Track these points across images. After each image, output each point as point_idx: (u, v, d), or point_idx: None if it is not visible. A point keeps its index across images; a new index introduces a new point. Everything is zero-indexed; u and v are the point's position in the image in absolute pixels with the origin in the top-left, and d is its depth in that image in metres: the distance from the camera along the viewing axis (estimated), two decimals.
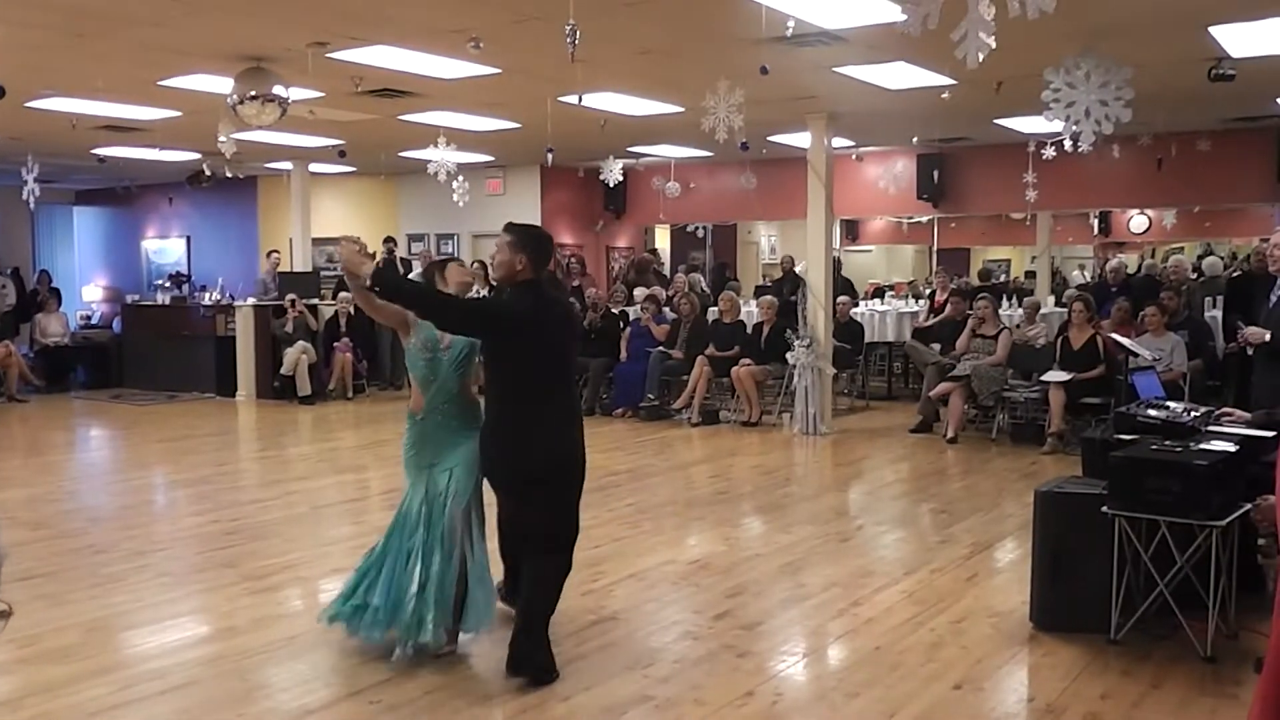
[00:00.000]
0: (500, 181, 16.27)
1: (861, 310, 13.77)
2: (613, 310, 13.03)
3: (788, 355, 10.98)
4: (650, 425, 11.51)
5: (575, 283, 14.24)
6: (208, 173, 13.86)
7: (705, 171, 15.93)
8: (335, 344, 13.73)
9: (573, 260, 15.19)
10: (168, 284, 16.68)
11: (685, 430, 11.26)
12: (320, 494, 8.14)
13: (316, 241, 16.04)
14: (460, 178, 11.43)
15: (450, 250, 16.85)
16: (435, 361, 4.60)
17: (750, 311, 12.95)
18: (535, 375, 4.20)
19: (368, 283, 4.31)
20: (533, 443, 4.16)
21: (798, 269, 14.17)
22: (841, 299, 12.56)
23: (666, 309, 12.99)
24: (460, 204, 11.76)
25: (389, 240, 14.98)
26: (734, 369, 11.40)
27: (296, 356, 13.36)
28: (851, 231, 19.47)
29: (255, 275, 15.68)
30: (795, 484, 8.66)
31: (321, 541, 6.66)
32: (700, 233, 17.85)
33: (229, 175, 14.79)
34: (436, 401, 4.56)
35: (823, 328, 11.02)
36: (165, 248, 18.53)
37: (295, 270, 15.18)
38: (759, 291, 14.89)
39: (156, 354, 15.01)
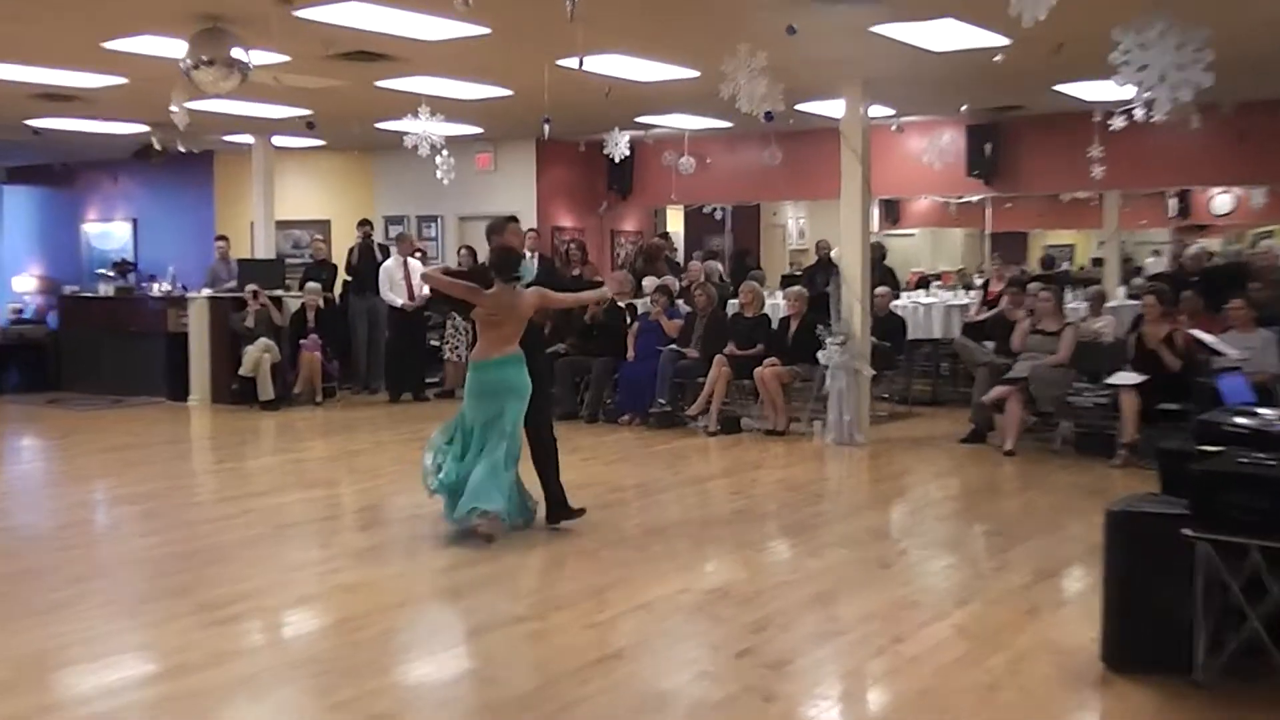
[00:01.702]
0: (490, 157, 16.27)
1: (904, 303, 13.73)
2: (618, 303, 13.02)
3: (819, 354, 10.95)
4: (661, 434, 11.51)
5: (576, 271, 14.22)
6: (158, 147, 13.90)
7: (724, 145, 15.92)
8: (302, 341, 13.75)
9: (572, 246, 15.17)
10: (111, 273, 16.71)
11: (701, 440, 11.25)
12: (285, 512, 8.14)
13: (281, 225, 16.06)
14: (445, 152, 11.42)
15: (433, 234, 16.87)
16: None
17: (776, 304, 12.91)
18: None
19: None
20: None
21: (831, 256, 14.13)
22: (880, 290, 12.53)
23: (679, 301, 12.96)
24: (445, 182, 11.74)
25: (364, 224, 15.01)
26: (757, 370, 11.39)
27: (258, 356, 13.37)
28: (892, 213, 19.41)
29: (211, 260, 15.67)
30: (827, 501, 8.64)
31: (286, 567, 6.65)
32: (718, 215, 17.82)
33: (182, 150, 14.82)
34: None
35: (859, 323, 10.99)
36: (108, 232, 18.58)
37: (257, 258, 15.20)
38: (786, 281, 14.84)
39: (98, 353, 15.05)
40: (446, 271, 8.96)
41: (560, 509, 7.39)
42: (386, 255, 14.60)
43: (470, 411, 7.15)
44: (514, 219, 7.83)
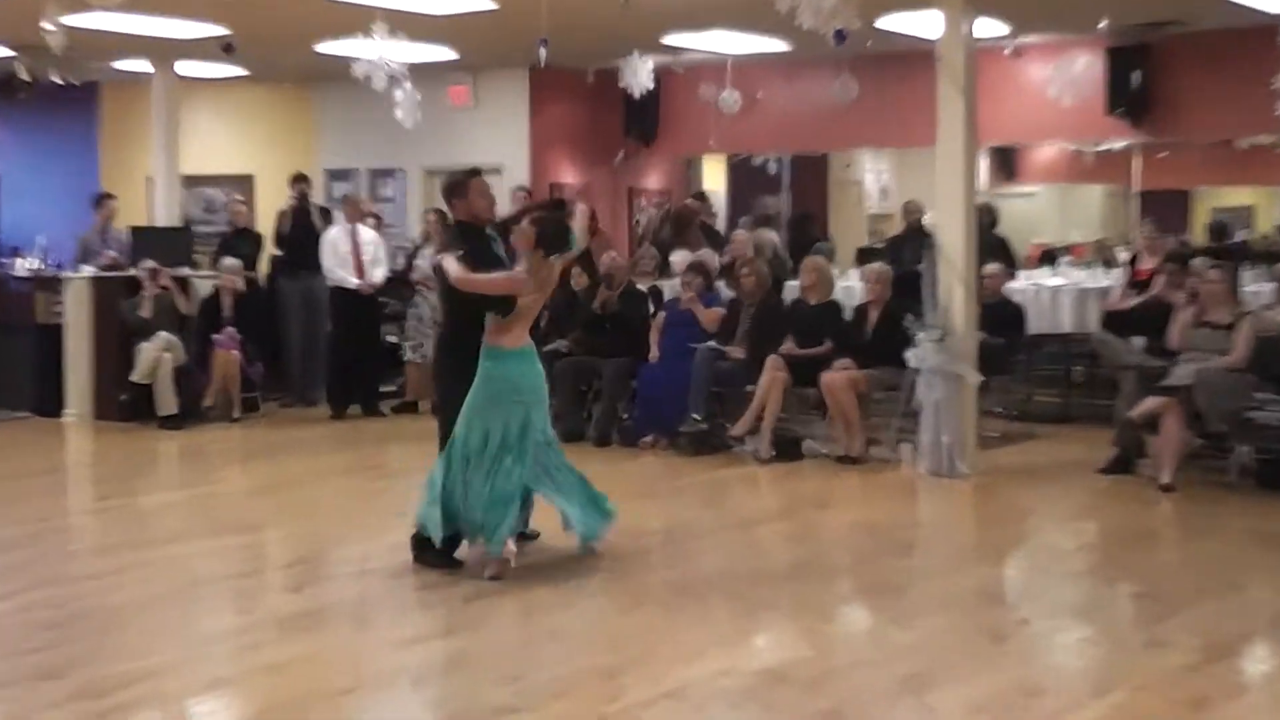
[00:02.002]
0: (468, 90, 16.27)
1: (1022, 285, 13.67)
2: (637, 286, 12.99)
3: (908, 354, 10.90)
4: (695, 462, 11.48)
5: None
6: (24, 77, 13.90)
7: (780, 74, 15.90)
8: (215, 337, 13.76)
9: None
10: None
11: (749, 468, 11.22)
12: (192, 566, 8.12)
13: (190, 181, 16.08)
14: (408, 85, 11.42)
15: (391, 193, 16.88)
16: None
17: (850, 287, 12.85)
18: None
19: None
20: None
21: (925, 223, 14.08)
22: (991, 268, 12.47)
23: (720, 283, 12.92)
24: (408, 125, 11.74)
25: (299, 180, 14.96)
26: (824, 375, 11.34)
27: (156, 356, 13.38)
28: (1007, 166, 19.35)
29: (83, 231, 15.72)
30: (920, 553, 8.59)
31: (193, 639, 6.63)
32: (772, 168, 17.79)
33: (57, 81, 14.81)
34: None
35: (963, 312, 10.93)
36: None
37: (155, 225, 15.22)
38: (864, 257, 14.80)
39: None
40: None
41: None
42: (329, 222, 14.63)
43: (481, 420, 7.50)
44: (476, 172, 8.06)
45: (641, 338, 12.42)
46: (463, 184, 7.82)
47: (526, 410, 7.52)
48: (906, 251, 13.74)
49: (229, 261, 14.24)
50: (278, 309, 14.76)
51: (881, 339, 11.36)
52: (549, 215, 7.80)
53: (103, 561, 8.19)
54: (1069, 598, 7.49)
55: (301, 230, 14.65)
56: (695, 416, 11.83)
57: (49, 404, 14.14)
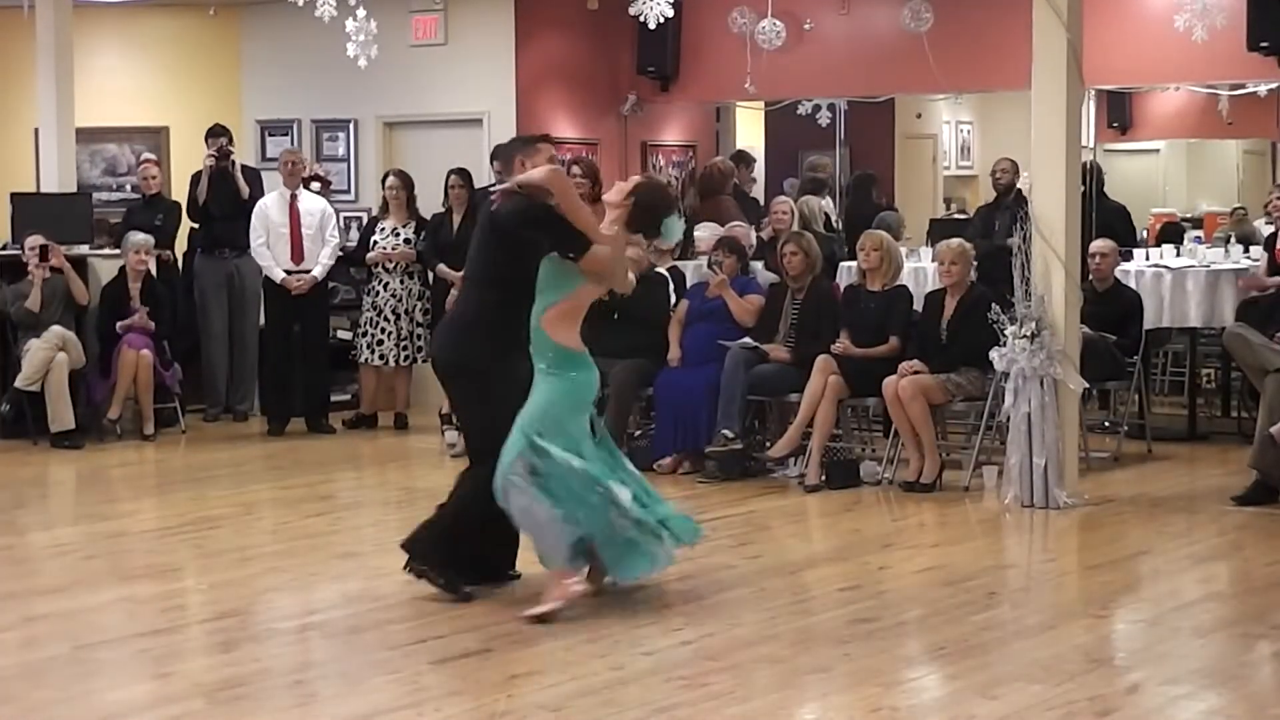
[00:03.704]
0: (437, 20, 16.26)
1: (1139, 266, 13.68)
2: (655, 267, 13.02)
3: (993, 354, 10.92)
4: (726, 489, 11.50)
5: None
6: None
7: (832, 1, 15.94)
8: (122, 332, 13.80)
9: (575, 169, 15.22)
10: None
11: (794, 498, 11.26)
12: (91, 622, 8.15)
13: (87, 135, 16.06)
14: (362, 12, 11.46)
15: (341, 151, 16.89)
16: None
17: (921, 269, 12.88)
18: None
19: None
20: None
21: (1021, 187, 14.09)
22: (1100, 245, 12.48)
23: (758, 264, 12.94)
24: (361, 63, 11.78)
25: (217, 133, 14.92)
26: (888, 380, 11.36)
27: (47, 356, 13.39)
28: (1119, 115, 19.34)
29: None
30: (1008, 604, 8.59)
31: (87, 711, 6.67)
32: (824, 119, 17.79)
33: None
34: None
35: (1062, 301, 10.95)
36: None
37: (42, 191, 15.26)
38: (938, 230, 14.80)
39: None
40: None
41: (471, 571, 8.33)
42: (259, 187, 14.65)
43: (574, 428, 8.18)
44: (548, 138, 8.73)
45: (659, 334, 12.46)
46: (529, 147, 8.07)
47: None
48: (997, 224, 13.77)
49: (137, 237, 14.14)
50: (194, 297, 14.80)
51: (962, 335, 11.39)
52: (654, 185, 8.21)
53: None
54: (1194, 660, 7.48)
55: (223, 197, 14.68)
56: (726, 433, 11.83)
57: None
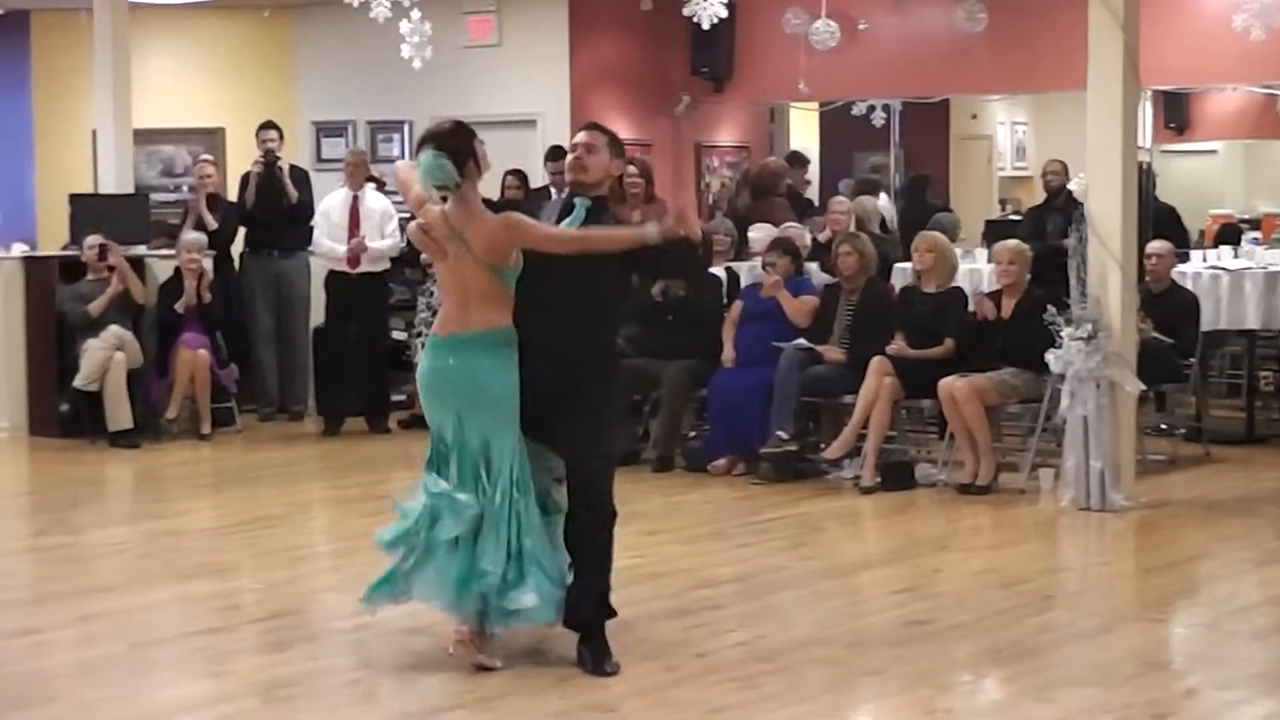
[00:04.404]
0: (492, 22, 16.28)
1: (1195, 268, 13.62)
2: (707, 269, 13.02)
3: (1049, 356, 10.89)
4: (780, 491, 11.50)
5: (635, 214, 14.24)
6: None
7: (886, 1, 15.92)
8: (182, 332, 13.87)
9: (631, 168, 15.20)
10: None
11: (848, 499, 11.27)
12: (147, 620, 8.20)
13: (145, 136, 16.12)
14: (417, 13, 11.48)
15: (395, 150, 16.89)
16: None
17: (976, 270, 12.84)
18: None
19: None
20: None
21: (1072, 189, 14.04)
22: (1157, 247, 12.42)
23: (812, 265, 12.91)
24: (416, 64, 11.80)
25: (268, 129, 14.93)
26: (943, 382, 11.33)
27: (105, 357, 13.46)
28: (1175, 116, 19.24)
29: (28, 195, 15.74)
30: (1064, 607, 8.58)
31: (148, 710, 6.69)
32: (878, 119, 17.75)
33: None
34: None
35: (1120, 303, 10.91)
36: None
37: (100, 192, 15.35)
38: (994, 232, 14.76)
39: None
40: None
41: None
42: (305, 188, 14.68)
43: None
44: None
45: (712, 334, 12.44)
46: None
47: None
48: (1048, 225, 13.72)
49: (191, 236, 14.22)
50: (260, 298, 14.84)
51: (1017, 337, 11.35)
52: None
53: (35, 614, 8.31)
54: (1251, 664, 7.45)
55: (269, 200, 14.74)
56: (780, 434, 11.83)
57: None
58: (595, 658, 7.05)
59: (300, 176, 15.00)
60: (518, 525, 7.00)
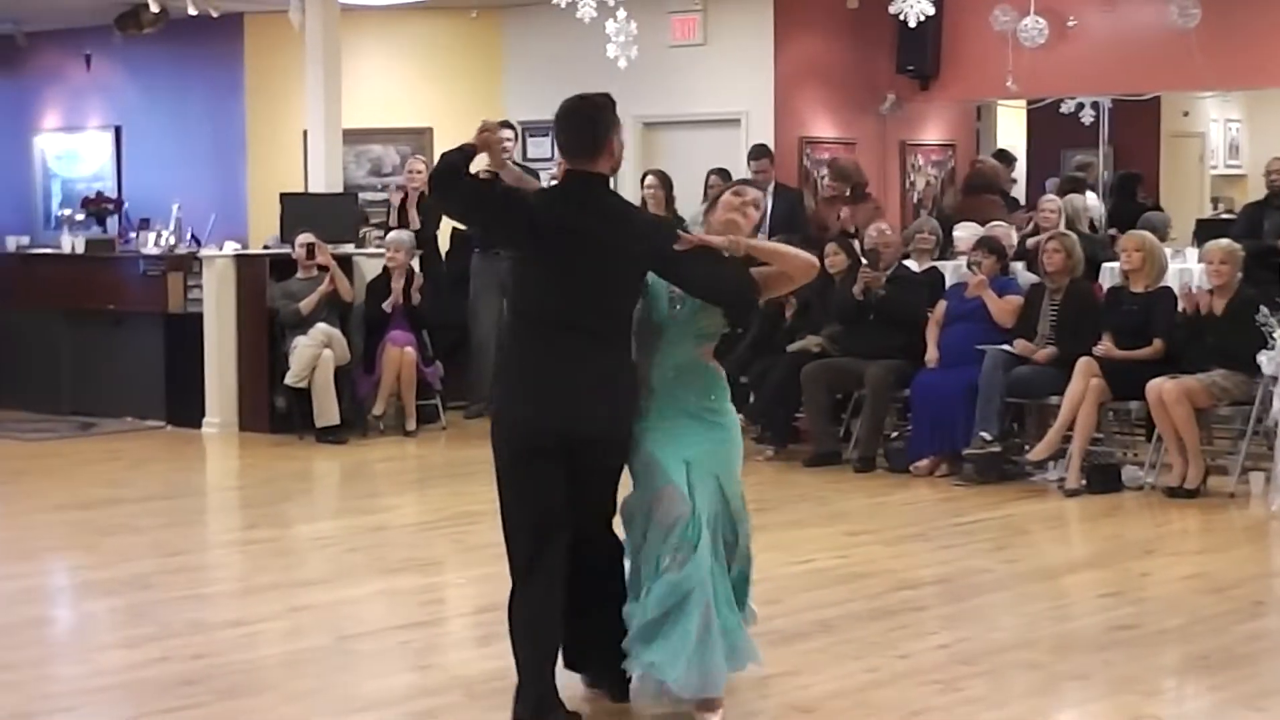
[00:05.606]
0: (696, 21, 16.31)
1: None
2: (910, 267, 12.93)
3: (1260, 357, 10.71)
4: (983, 493, 11.43)
5: (839, 214, 14.20)
6: (154, 9, 14.25)
7: None
8: (389, 330, 14.03)
9: (832, 169, 15.15)
10: (80, 216, 17.10)
11: (1053, 502, 11.17)
12: (353, 613, 8.33)
13: (353, 136, 16.33)
14: (623, 13, 11.52)
15: None
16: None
17: (1187, 269, 12.63)
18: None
19: None
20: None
21: None
22: None
23: (1018, 265, 12.79)
24: (621, 64, 11.84)
25: (504, 126, 14.99)
26: (1152, 384, 11.18)
27: (314, 354, 13.64)
28: None
29: (240, 195, 15.93)
30: (1274, 614, 8.47)
31: (353, 704, 6.80)
32: (1087, 117, 17.55)
33: (192, 13, 15.13)
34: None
35: None
36: (75, 149, 19.23)
37: (310, 191, 15.60)
38: (1206, 230, 14.53)
39: (57, 347, 15.57)
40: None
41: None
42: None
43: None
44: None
45: (915, 334, 12.39)
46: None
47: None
48: (1260, 223, 13.49)
49: (398, 235, 14.35)
50: (468, 297, 14.98)
51: (1228, 339, 11.19)
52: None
53: (244, 606, 8.46)
54: None
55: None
56: (984, 435, 11.76)
57: (185, 410, 14.48)
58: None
59: (530, 176, 15.07)
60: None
